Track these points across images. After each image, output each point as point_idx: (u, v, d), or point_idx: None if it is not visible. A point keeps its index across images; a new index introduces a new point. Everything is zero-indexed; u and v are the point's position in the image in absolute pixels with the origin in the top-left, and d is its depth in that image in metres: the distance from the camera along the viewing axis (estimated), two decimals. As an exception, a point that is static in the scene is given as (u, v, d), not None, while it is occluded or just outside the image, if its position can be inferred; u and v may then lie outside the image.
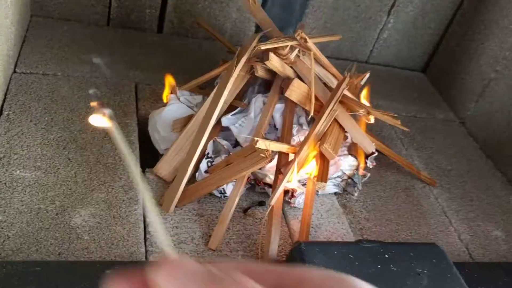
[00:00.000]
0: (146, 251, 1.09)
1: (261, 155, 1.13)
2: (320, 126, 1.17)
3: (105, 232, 1.08)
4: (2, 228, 1.03)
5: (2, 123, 1.28)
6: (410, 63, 2.25)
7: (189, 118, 1.30)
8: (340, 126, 1.24)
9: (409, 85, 2.12)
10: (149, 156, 1.37)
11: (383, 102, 1.91)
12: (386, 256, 1.00)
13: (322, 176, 1.13)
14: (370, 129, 1.63)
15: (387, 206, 1.42)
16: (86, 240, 1.05)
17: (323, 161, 1.19)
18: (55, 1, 1.77)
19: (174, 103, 1.36)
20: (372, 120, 1.30)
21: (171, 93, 1.39)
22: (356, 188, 1.34)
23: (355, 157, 1.28)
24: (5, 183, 1.13)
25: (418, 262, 1.01)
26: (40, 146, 1.25)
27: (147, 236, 1.12)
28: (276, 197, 1.13)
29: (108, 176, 1.22)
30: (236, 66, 1.18)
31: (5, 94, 1.38)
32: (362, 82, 1.43)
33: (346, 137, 1.31)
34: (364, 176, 1.38)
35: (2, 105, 1.33)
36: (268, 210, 1.14)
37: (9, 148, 1.21)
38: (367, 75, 1.44)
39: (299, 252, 0.95)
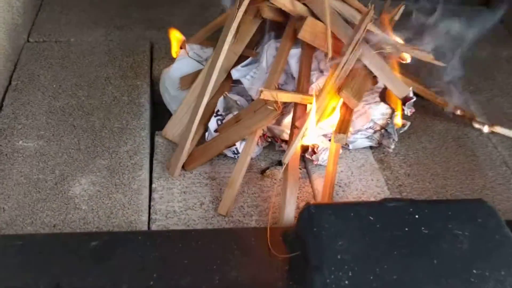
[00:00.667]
0: (150, 219, 1.00)
1: (269, 107, 0.98)
2: (340, 70, 1.00)
3: (104, 200, 1.00)
4: (-2, 200, 0.99)
5: (10, 93, 1.24)
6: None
7: (197, 73, 1.18)
8: (366, 68, 1.06)
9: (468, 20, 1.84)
10: (166, 117, 1.27)
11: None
12: (417, 216, 0.83)
13: (342, 127, 0.96)
14: (415, 71, 1.41)
15: (433, 158, 1.22)
16: (84, 210, 0.98)
17: (346, 110, 1.02)
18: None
19: (182, 58, 1.24)
20: (407, 59, 1.10)
21: (181, 48, 1.27)
22: (392, 140, 1.16)
23: (387, 103, 1.09)
24: (6, 154, 1.08)
25: (458, 222, 0.83)
26: (46, 114, 1.19)
27: (151, 203, 1.03)
28: (290, 155, 0.99)
29: (113, 141, 1.14)
30: (238, 9, 1.03)
31: (15, 65, 1.33)
32: (397, 17, 1.22)
33: (376, 81, 1.12)
34: (403, 125, 1.19)
35: (11, 76, 1.29)
36: (283, 169, 1.00)
37: (14, 118, 1.17)
38: (402, 8, 1.22)
39: (307, 216, 0.81)
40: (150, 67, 1.39)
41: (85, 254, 0.80)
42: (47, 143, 1.11)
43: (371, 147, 1.22)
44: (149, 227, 0.98)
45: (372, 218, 0.82)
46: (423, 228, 0.82)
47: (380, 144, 1.20)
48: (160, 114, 1.30)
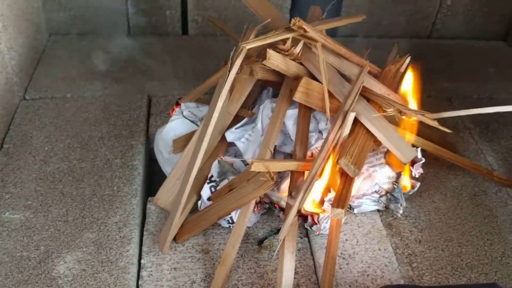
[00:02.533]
0: (137, 301, 0.93)
1: (262, 178, 0.91)
2: (335, 133, 0.93)
3: (89, 281, 0.94)
4: (-21, 283, 0.93)
5: (0, 158, 1.20)
6: (485, 32, 1.86)
7: (191, 135, 1.12)
8: (367, 130, 0.98)
9: (484, 58, 1.75)
10: (163, 178, 1.21)
11: (450, 84, 1.58)
12: (423, 309, 0.74)
13: (340, 200, 0.88)
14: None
15: (447, 221, 1.13)
16: (67, 293, 0.92)
17: (345, 179, 0.94)
18: (72, 16, 1.68)
19: (176, 118, 1.18)
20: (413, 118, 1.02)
21: (176, 105, 1.22)
22: (399, 205, 1.07)
23: (391, 167, 1.01)
24: (-9, 229, 1.03)
25: (471, 316, 0.74)
26: (35, 181, 1.14)
27: (140, 282, 0.96)
28: (286, 229, 0.91)
29: (102, 211, 1.08)
30: (230, 69, 0.97)
31: (9, 125, 1.30)
32: (403, 69, 1.14)
33: (380, 143, 1.04)
34: (413, 187, 1.10)
35: (4, 138, 1.26)
36: (278, 246, 0.92)
37: (2, 186, 1.12)
38: (407, 59, 1.14)
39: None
40: (147, 123, 1.34)
41: None
42: (34, 214, 1.06)
43: (378, 210, 1.13)
44: (135, 311, 0.92)
45: (372, 313, 0.73)
46: (430, 324, 0.73)
47: (387, 208, 1.11)
48: (156, 173, 1.24)
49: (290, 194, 0.96)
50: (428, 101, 1.26)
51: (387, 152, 1.05)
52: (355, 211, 1.10)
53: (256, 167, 0.88)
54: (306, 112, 1.03)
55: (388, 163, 1.03)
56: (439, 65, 1.68)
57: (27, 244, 1.01)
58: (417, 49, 1.74)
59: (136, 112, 1.37)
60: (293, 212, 0.91)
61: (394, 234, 1.09)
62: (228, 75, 0.97)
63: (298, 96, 0.99)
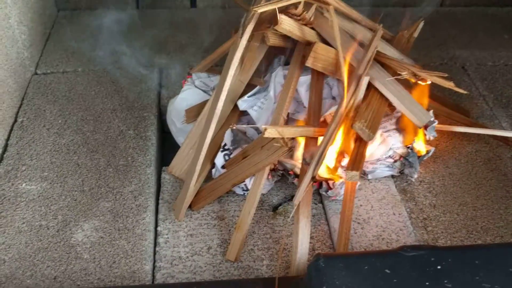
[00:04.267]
0: (154, 267, 0.95)
1: (276, 144, 0.91)
2: (350, 98, 0.92)
3: (107, 248, 0.95)
4: None
5: (15, 131, 1.21)
6: (500, -3, 1.82)
7: (203, 104, 1.12)
8: (381, 95, 0.98)
9: (499, 25, 1.72)
10: (176, 148, 1.22)
11: (462, 51, 1.56)
12: (439, 267, 0.74)
13: (354, 163, 0.88)
14: (442, 88, 1.32)
15: (461, 186, 1.12)
16: (86, 260, 0.93)
17: (359, 143, 0.94)
18: (81, -9, 1.67)
19: (188, 88, 1.18)
20: (427, 80, 1.01)
21: (187, 76, 1.22)
22: (414, 170, 1.06)
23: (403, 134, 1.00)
24: (9, 199, 1.05)
25: (487, 273, 0.74)
26: (50, 153, 1.15)
27: (156, 248, 0.98)
28: (301, 195, 0.92)
29: (117, 181, 1.09)
30: (241, 36, 0.96)
31: (22, 99, 1.31)
32: (416, 34, 1.13)
33: (394, 108, 1.03)
34: (427, 152, 1.09)
35: (17, 112, 1.26)
36: (293, 211, 0.92)
37: (18, 159, 1.14)
38: (421, 24, 1.12)
39: (316, 270, 0.74)
40: (158, 96, 1.34)
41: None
42: (51, 185, 1.08)
43: (392, 175, 1.13)
44: (153, 276, 0.93)
45: (388, 271, 0.74)
46: (446, 281, 0.73)
47: (401, 172, 1.11)
48: (169, 145, 1.25)
49: (304, 160, 0.96)
50: (441, 69, 1.25)
51: (400, 118, 1.04)
52: (369, 176, 1.10)
53: (270, 133, 0.88)
54: (319, 78, 1.02)
55: (401, 129, 1.02)
56: (452, 33, 1.65)
57: (45, 213, 1.02)
58: (430, 17, 1.71)
59: (147, 84, 1.37)
60: (307, 178, 0.91)
61: (408, 199, 1.09)
62: (240, 41, 0.97)
63: (310, 62, 0.98)
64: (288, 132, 0.91)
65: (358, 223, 1.03)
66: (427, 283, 0.73)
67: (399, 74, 0.93)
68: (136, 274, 0.91)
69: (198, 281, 0.88)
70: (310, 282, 0.74)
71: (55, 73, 1.41)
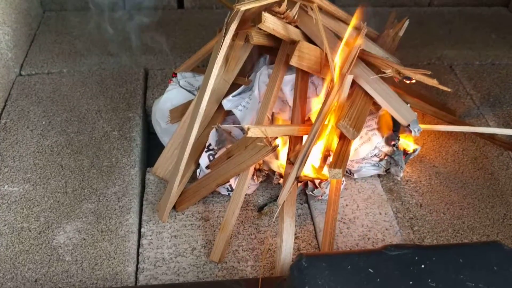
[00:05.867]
0: (137, 268, 0.93)
1: (259, 144, 0.90)
2: (333, 96, 0.91)
3: (89, 250, 0.94)
4: (-20, 254, 0.94)
5: (-2, 133, 1.19)
6: (487, -3, 1.83)
7: (188, 104, 1.11)
8: (366, 93, 0.97)
9: (486, 25, 1.72)
10: (161, 149, 1.21)
11: (450, 51, 1.56)
12: (423, 266, 0.74)
13: (337, 160, 0.88)
14: (429, 87, 1.31)
15: (448, 185, 1.12)
16: (68, 262, 0.92)
17: (343, 141, 0.93)
18: (66, -9, 1.66)
19: (173, 88, 1.17)
20: (413, 79, 1.01)
21: (172, 76, 1.21)
22: (399, 168, 1.06)
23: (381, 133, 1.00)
24: (-10, 201, 1.03)
25: (470, 271, 0.73)
26: (33, 154, 1.14)
27: (140, 250, 0.96)
28: (285, 194, 0.91)
29: (101, 182, 1.08)
30: (225, 35, 0.96)
31: (6, 101, 1.29)
32: (401, 33, 1.13)
33: (378, 106, 1.03)
34: (414, 151, 1.09)
35: (1, 113, 1.25)
36: (277, 212, 0.92)
37: (1, 160, 1.12)
38: (406, 22, 1.12)
39: (299, 270, 0.73)
40: (144, 96, 1.33)
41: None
42: (33, 186, 1.06)
43: (379, 175, 1.13)
44: (136, 278, 0.92)
45: (371, 271, 0.73)
46: (430, 280, 0.72)
47: (388, 171, 1.10)
48: (154, 146, 1.24)
49: (288, 160, 0.96)
50: (429, 68, 1.23)
51: (381, 116, 1.04)
52: (355, 176, 1.10)
53: (253, 132, 0.87)
54: (303, 77, 1.02)
55: (378, 127, 1.02)
56: (439, 33, 1.65)
57: (27, 215, 1.01)
58: (417, 17, 1.72)
59: (132, 85, 1.35)
60: (291, 178, 0.91)
61: (394, 199, 1.08)
62: (224, 40, 0.96)
63: (295, 61, 0.98)
64: (272, 131, 0.90)
65: (344, 223, 1.02)
66: (410, 282, 0.72)
67: (384, 72, 0.93)
68: (118, 276, 0.90)
69: (181, 283, 0.87)
70: (292, 282, 0.73)
71: (40, 74, 1.40)
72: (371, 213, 1.04)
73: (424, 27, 1.67)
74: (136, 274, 0.92)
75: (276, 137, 0.95)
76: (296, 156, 0.93)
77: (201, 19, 1.69)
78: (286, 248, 0.90)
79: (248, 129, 0.87)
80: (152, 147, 1.27)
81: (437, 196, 1.09)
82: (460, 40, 1.62)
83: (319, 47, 0.99)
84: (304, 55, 0.98)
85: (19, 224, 0.99)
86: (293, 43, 1.00)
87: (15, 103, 1.28)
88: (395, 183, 1.12)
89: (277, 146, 0.93)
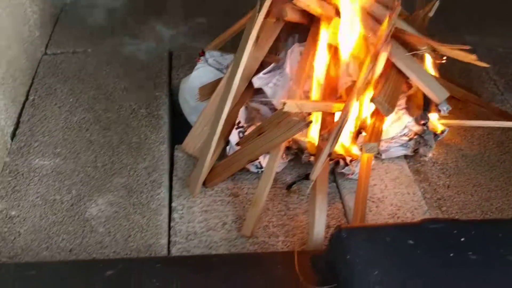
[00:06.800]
0: (169, 241, 0.94)
1: (294, 118, 0.91)
2: (367, 74, 0.92)
3: (122, 222, 0.95)
4: (14, 224, 0.94)
5: (27, 109, 1.20)
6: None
7: (217, 82, 1.11)
8: (399, 71, 0.97)
9: (509, 10, 1.71)
10: (186, 130, 1.22)
11: (473, 36, 1.55)
12: (462, 239, 0.74)
13: (372, 135, 0.88)
14: (453, 72, 1.32)
15: (474, 167, 1.12)
16: (101, 233, 0.93)
17: (377, 117, 0.94)
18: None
19: (201, 67, 1.17)
20: (443, 59, 1.01)
21: (200, 55, 1.21)
22: (429, 147, 1.06)
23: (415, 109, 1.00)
24: (22, 174, 1.04)
25: (510, 246, 0.74)
26: (62, 130, 1.14)
27: (171, 224, 0.97)
28: (318, 171, 0.91)
29: (131, 157, 1.08)
30: (259, 12, 0.96)
31: (33, 78, 1.30)
32: (431, 13, 1.13)
33: (411, 85, 1.03)
34: (442, 132, 1.09)
35: (29, 90, 1.26)
36: (310, 187, 0.92)
37: (31, 135, 1.13)
38: (436, 3, 1.12)
39: (339, 242, 0.74)
40: (169, 77, 1.34)
41: (102, 285, 0.74)
42: (64, 161, 1.07)
43: (405, 156, 1.13)
44: (169, 250, 0.93)
45: (411, 243, 0.74)
46: (470, 253, 0.73)
47: (415, 152, 1.11)
48: (180, 126, 1.24)
49: (321, 136, 0.96)
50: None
51: (411, 95, 1.04)
52: (383, 156, 1.10)
53: (289, 107, 0.88)
54: (336, 54, 1.02)
55: (407, 106, 1.02)
56: (463, 18, 1.65)
57: (59, 188, 1.01)
58: (441, 3, 1.71)
59: (158, 65, 1.36)
60: (325, 153, 0.91)
61: (422, 180, 1.09)
62: (258, 16, 0.96)
63: (329, 38, 0.98)
64: (308, 106, 0.91)
65: (373, 201, 1.02)
66: (451, 255, 0.73)
67: (417, 50, 0.93)
68: (152, 248, 0.91)
69: (217, 254, 0.88)
70: (333, 253, 0.74)
71: (65, 53, 1.40)
72: (399, 193, 1.05)
73: (447, 13, 1.66)
74: (169, 247, 0.93)
75: (310, 113, 0.96)
76: (329, 132, 0.93)
77: (226, 2, 1.68)
78: (319, 224, 0.91)
79: (284, 103, 0.87)
80: (176, 127, 1.27)
81: (464, 178, 1.10)
82: (484, 26, 1.61)
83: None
84: (338, 32, 0.98)
85: (51, 196, 1.00)
86: (327, 20, 1.00)
87: (42, 80, 1.29)
88: (421, 164, 1.12)
89: (311, 121, 0.93)
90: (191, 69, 1.32)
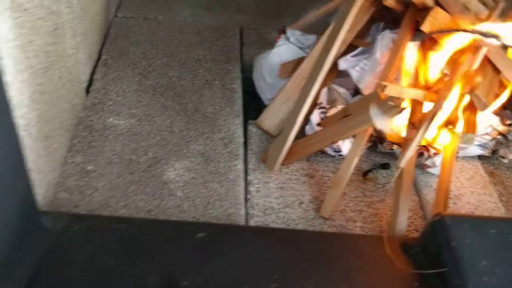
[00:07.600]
0: (247, 213, 0.93)
1: (390, 103, 0.89)
2: (465, 67, 0.90)
3: (200, 189, 0.94)
4: (91, 178, 0.93)
5: (100, 68, 1.19)
6: None
7: (299, 61, 1.10)
8: (494, 67, 0.95)
9: None
10: (253, 107, 1.21)
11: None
12: None
13: (469, 126, 0.86)
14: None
15: (552, 176, 1.10)
16: (180, 198, 0.92)
17: (470, 112, 0.92)
18: None
19: (282, 44, 1.16)
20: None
21: (280, 32, 1.19)
22: (510, 149, 1.04)
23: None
24: (97, 130, 1.03)
25: None
26: (136, 92, 1.13)
27: (248, 196, 0.96)
28: (407, 158, 0.89)
29: (207, 127, 1.07)
30: (358, -6, 0.94)
31: (105, 38, 1.28)
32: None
33: (504, 86, 1.01)
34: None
35: (101, 50, 1.24)
36: (396, 174, 0.90)
37: (105, 93, 1.12)
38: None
39: (441, 228, 0.72)
40: (240, 52, 1.32)
41: (194, 246, 0.73)
42: (139, 122, 1.06)
43: (479, 157, 1.11)
44: (246, 221, 0.91)
45: (516, 238, 0.72)
46: None
47: (494, 153, 1.09)
48: (247, 103, 1.22)
49: (411, 124, 0.94)
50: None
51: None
52: (459, 154, 1.08)
53: (390, 91, 0.86)
54: (430, 45, 1.00)
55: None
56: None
57: (135, 148, 1.00)
58: None
59: (229, 40, 1.34)
60: (416, 141, 0.89)
61: (497, 183, 1.07)
62: (357, -2, 0.94)
63: (426, 26, 0.96)
64: (407, 93, 0.89)
65: (450, 198, 1.00)
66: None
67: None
68: (231, 217, 0.90)
69: (306, 230, 0.87)
70: (433, 240, 0.72)
71: (135, 17, 1.39)
72: (475, 193, 1.03)
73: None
74: (246, 218, 0.92)
75: (403, 100, 0.94)
76: (420, 121, 0.91)
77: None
78: (403, 213, 0.89)
79: (385, 86, 0.86)
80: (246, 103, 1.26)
81: (541, 185, 1.08)
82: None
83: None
84: (436, 22, 0.96)
85: (127, 155, 0.99)
86: (425, 8, 0.98)
87: (114, 41, 1.28)
88: (495, 167, 1.10)
89: (405, 108, 0.91)
90: (261, 47, 1.32)
